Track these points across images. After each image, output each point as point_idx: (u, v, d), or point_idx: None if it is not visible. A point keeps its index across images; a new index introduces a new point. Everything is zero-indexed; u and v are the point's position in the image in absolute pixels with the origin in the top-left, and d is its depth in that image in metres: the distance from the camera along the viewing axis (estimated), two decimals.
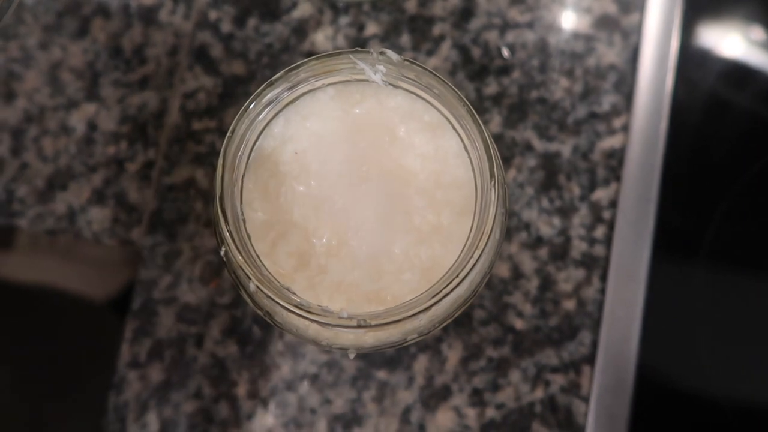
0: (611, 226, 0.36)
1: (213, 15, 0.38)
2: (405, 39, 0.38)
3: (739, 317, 0.36)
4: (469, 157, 0.22)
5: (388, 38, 0.38)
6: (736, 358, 0.36)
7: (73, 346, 0.47)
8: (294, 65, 0.22)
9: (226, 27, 0.38)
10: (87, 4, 0.38)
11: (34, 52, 0.38)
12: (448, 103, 0.22)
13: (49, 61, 0.38)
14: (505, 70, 0.37)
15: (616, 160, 0.37)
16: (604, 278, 0.36)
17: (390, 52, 0.21)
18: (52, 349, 0.46)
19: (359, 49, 0.22)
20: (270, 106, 0.22)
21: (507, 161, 0.37)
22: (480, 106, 0.37)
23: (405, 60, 0.21)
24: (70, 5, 0.38)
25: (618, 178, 0.36)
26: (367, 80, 0.23)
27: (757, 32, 0.39)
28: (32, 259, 0.49)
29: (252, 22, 0.38)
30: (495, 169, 0.20)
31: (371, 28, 0.38)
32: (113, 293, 0.49)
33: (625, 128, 0.37)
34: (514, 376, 0.35)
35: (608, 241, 0.36)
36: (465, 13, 0.38)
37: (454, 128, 0.23)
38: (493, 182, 0.20)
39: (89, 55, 0.38)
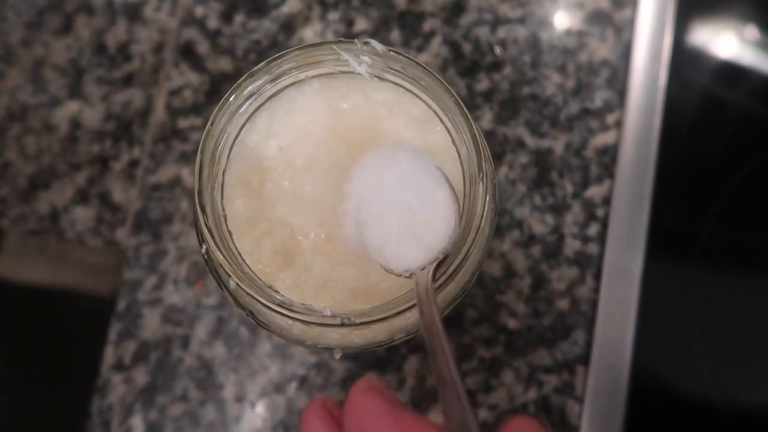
0: (605, 223, 0.35)
1: (199, 11, 0.37)
2: (395, 35, 0.37)
3: (734, 315, 0.36)
4: (458, 151, 0.22)
5: (377, 34, 0.37)
6: (730, 358, 0.35)
7: (56, 348, 0.47)
8: (276, 56, 0.21)
9: (212, 23, 0.37)
10: (70, 1, 0.37)
11: (16, 49, 0.37)
12: (436, 96, 0.21)
13: (32, 59, 0.37)
14: (496, 66, 0.37)
15: (609, 156, 0.36)
16: (597, 277, 0.35)
17: (374, 43, 0.21)
18: (35, 350, 0.45)
19: (343, 39, 0.21)
20: (252, 99, 0.22)
21: (499, 158, 0.36)
22: (471, 103, 0.37)
23: (390, 50, 0.21)
24: (53, 1, 0.37)
25: (611, 175, 0.36)
26: (352, 72, 0.22)
27: (750, 31, 0.38)
28: (20, 261, 0.49)
29: (239, 18, 0.37)
30: (483, 163, 0.20)
31: (360, 24, 0.37)
32: (101, 295, 0.48)
33: (618, 124, 0.36)
34: (507, 376, 0.34)
35: (602, 239, 0.35)
36: (456, 9, 0.37)
37: (442, 122, 0.22)
38: (481, 176, 0.20)
39: (72, 52, 0.37)
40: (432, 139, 0.22)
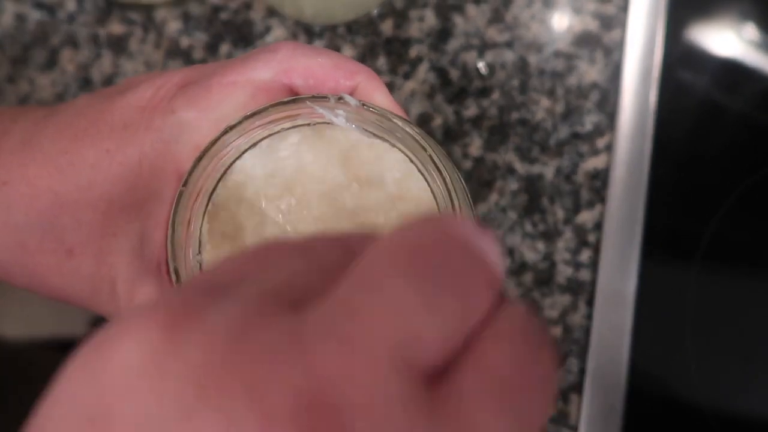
0: (597, 249, 0.35)
1: (184, 42, 0.37)
2: (381, 62, 0.37)
3: (731, 338, 0.35)
4: (436, 200, 0.22)
5: (364, 61, 0.37)
6: (729, 383, 0.35)
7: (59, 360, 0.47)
8: (251, 112, 0.21)
9: (198, 54, 0.37)
10: (55, 35, 0.37)
11: (2, 86, 0.37)
12: (412, 147, 0.21)
13: (17, 95, 0.37)
14: (484, 91, 0.36)
15: (600, 181, 0.36)
16: (590, 303, 0.35)
17: (348, 97, 0.20)
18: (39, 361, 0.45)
19: (316, 95, 0.21)
20: (228, 154, 0.22)
21: (488, 185, 0.36)
22: (460, 129, 0.36)
23: (363, 104, 0.20)
24: (38, 36, 0.37)
25: (602, 200, 0.35)
26: (329, 123, 0.22)
27: (742, 42, 0.38)
28: None
29: (225, 48, 0.37)
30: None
31: (347, 52, 0.37)
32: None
33: (609, 148, 0.36)
34: None
35: (594, 265, 0.35)
36: (442, 34, 0.37)
37: (419, 171, 0.22)
38: None
39: (58, 87, 0.37)
40: (409, 188, 0.22)
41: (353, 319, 0.11)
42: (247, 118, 0.21)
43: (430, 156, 0.20)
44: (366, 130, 0.22)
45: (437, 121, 0.36)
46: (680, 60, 0.37)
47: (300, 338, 0.11)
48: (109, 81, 0.37)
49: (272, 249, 0.13)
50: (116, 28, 0.37)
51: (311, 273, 0.12)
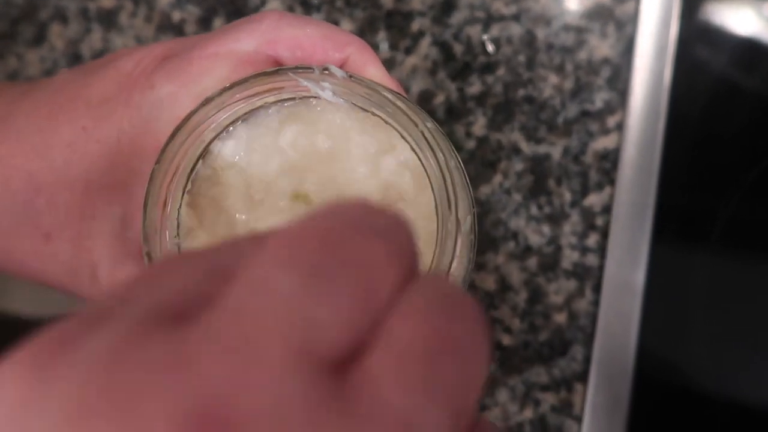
0: (605, 233, 0.33)
1: (176, 16, 0.36)
2: (381, 36, 0.35)
3: (741, 327, 0.34)
4: (429, 179, 0.20)
5: (363, 36, 0.35)
6: (740, 371, 0.33)
7: None
8: (231, 84, 0.19)
9: (190, 28, 0.36)
10: (44, 9, 0.36)
11: None
12: (404, 123, 0.19)
13: (5, 72, 0.36)
14: (489, 67, 0.35)
15: (610, 162, 0.34)
16: (597, 290, 0.33)
17: (334, 69, 0.19)
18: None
19: (300, 66, 0.19)
20: (208, 129, 0.20)
21: (492, 166, 0.34)
22: (463, 107, 0.35)
23: (350, 76, 0.19)
24: (26, 10, 0.36)
25: (612, 182, 0.34)
26: (315, 97, 0.20)
27: (761, 19, 0.35)
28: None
29: (218, 22, 0.36)
30: (451, 202, 0.18)
31: (345, 26, 0.36)
32: None
33: (620, 127, 0.34)
34: (502, 395, 0.33)
35: (602, 249, 0.33)
36: (446, 7, 0.35)
37: (413, 149, 0.20)
38: (450, 215, 0.18)
39: (47, 63, 0.36)
40: (401, 166, 0.21)
41: (239, 323, 0.10)
42: (226, 90, 0.19)
43: (422, 132, 0.18)
44: (355, 105, 0.20)
45: (439, 99, 0.35)
46: (696, 35, 0.35)
47: (183, 352, 0.10)
48: (98, 57, 0.36)
49: (163, 265, 0.12)
50: (106, 1, 0.36)
51: (202, 283, 0.11)
